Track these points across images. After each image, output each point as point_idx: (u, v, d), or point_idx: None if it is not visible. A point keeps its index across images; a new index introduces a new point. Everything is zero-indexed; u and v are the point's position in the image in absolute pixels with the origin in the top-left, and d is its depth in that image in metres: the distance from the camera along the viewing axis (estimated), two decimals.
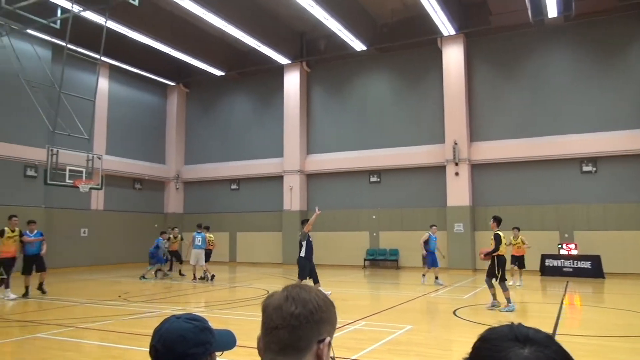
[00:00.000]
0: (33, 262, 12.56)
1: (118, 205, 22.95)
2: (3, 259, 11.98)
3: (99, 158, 16.70)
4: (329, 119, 22.64)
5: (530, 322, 0.98)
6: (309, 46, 22.53)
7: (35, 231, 12.85)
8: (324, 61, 22.72)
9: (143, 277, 16.65)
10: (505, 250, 10.48)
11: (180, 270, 17.76)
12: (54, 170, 15.08)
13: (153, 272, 17.23)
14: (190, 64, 22.69)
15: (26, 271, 12.49)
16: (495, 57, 19.67)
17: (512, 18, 17.95)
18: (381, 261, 20.86)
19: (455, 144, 19.09)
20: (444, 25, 18.32)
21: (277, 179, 23.00)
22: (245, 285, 15.16)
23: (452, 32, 18.92)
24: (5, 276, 11.98)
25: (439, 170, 19.78)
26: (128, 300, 11.78)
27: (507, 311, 9.78)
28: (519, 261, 14.45)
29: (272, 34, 20.50)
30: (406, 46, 20.62)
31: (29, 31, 17.58)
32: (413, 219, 20.18)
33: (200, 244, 16.41)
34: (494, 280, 10.21)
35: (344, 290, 13.94)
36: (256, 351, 1.29)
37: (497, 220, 10.51)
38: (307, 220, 12.27)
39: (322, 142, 22.59)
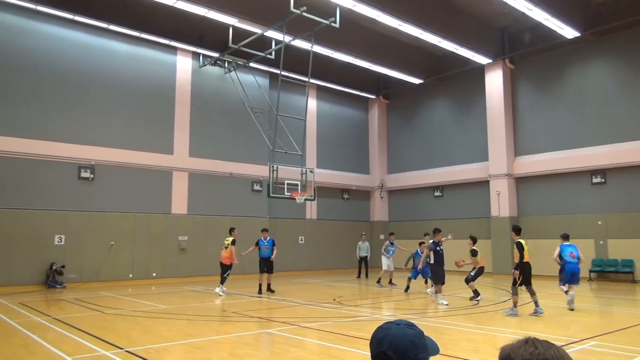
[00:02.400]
0: (264, 264, 14.86)
1: (329, 214, 24.69)
2: (230, 264, 14.42)
3: (311, 172, 18.29)
4: (538, 116, 20.81)
5: None
6: (511, 41, 21.11)
7: (268, 238, 15.07)
8: (529, 55, 20.99)
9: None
10: (529, 257, 10.77)
11: None
12: (274, 185, 17.03)
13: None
14: (388, 75, 23.30)
15: (260, 270, 14.94)
16: None
17: None
18: (612, 273, 18.24)
19: None
20: None
21: (483, 184, 21.98)
22: (453, 295, 14.79)
23: None
24: (227, 276, 14.46)
25: None
26: (342, 304, 12.53)
27: (510, 314, 10.36)
28: None
29: (470, 34, 19.79)
30: (632, 24, 17.83)
31: (251, 64, 20.22)
32: None
33: (388, 252, 17.12)
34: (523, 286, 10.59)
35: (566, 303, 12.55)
36: None
37: (516, 230, 11.05)
38: (439, 230, 13.59)
39: (531, 142, 20.86)
